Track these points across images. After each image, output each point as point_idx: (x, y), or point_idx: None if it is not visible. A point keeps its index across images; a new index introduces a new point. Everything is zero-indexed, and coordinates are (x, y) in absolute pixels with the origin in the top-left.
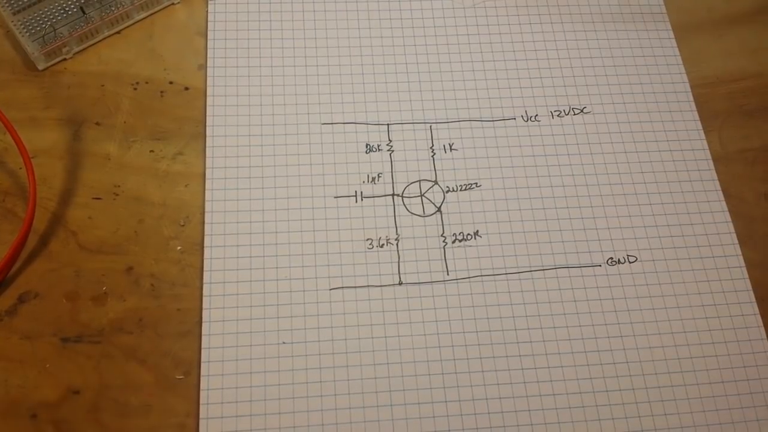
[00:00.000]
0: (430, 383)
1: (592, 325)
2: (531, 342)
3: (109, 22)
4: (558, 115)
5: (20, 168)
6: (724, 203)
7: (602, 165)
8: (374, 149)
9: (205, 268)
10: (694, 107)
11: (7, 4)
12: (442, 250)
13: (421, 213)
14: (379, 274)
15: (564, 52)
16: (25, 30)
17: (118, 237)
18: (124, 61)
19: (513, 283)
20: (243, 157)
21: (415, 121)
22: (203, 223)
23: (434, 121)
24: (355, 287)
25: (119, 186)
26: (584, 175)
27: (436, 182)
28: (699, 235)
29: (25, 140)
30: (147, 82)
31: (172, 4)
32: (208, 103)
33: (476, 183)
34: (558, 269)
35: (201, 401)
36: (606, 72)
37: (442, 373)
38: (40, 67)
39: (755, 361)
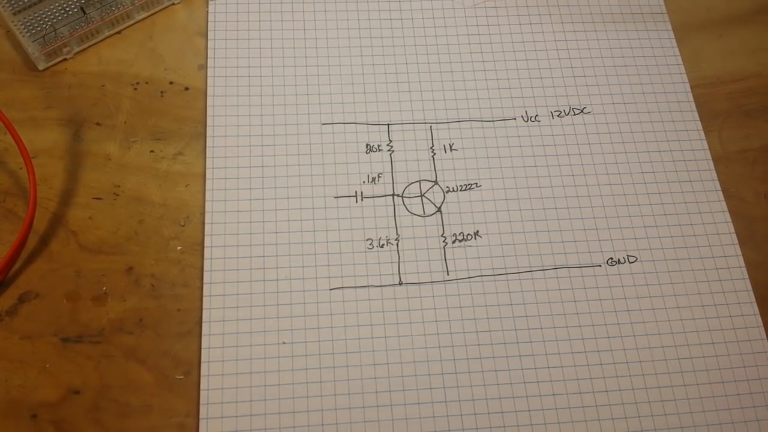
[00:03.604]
0: (430, 383)
1: (592, 325)
2: (531, 342)
3: (109, 22)
4: (558, 115)
5: (20, 168)
6: (724, 203)
7: (602, 165)
8: (374, 149)
9: (205, 268)
10: (694, 107)
11: (7, 4)
12: (442, 250)
13: (421, 213)
14: (379, 274)
15: (564, 52)
16: (25, 30)
17: (119, 237)
18: (125, 61)
19: (513, 283)
20: (243, 157)
21: (415, 121)
22: (203, 223)
23: (434, 121)
24: (355, 287)
25: (119, 186)
26: (584, 175)
27: (436, 182)
28: (699, 235)
29: (25, 140)
30: (147, 82)
31: (173, 4)
32: (208, 103)
33: (476, 183)
34: (558, 269)
35: (201, 401)
36: (606, 72)
37: (442, 373)
38: (41, 67)
39: (755, 361)
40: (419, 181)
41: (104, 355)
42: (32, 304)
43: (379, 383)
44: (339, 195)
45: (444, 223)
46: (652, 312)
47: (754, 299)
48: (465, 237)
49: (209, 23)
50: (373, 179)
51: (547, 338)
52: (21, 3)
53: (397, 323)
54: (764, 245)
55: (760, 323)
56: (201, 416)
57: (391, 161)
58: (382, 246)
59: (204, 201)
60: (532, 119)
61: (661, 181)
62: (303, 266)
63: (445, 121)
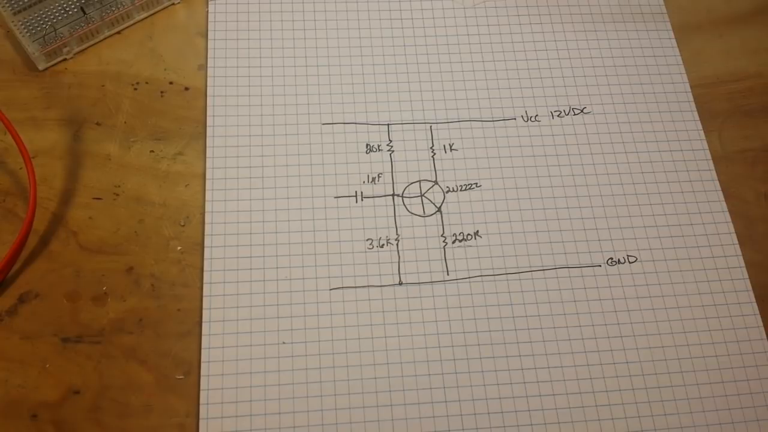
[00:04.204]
0: (430, 383)
1: (592, 325)
2: (531, 342)
3: (109, 22)
4: (558, 115)
5: (20, 168)
6: (724, 203)
7: (602, 165)
8: (374, 149)
9: (205, 268)
10: (694, 107)
11: (7, 5)
12: (442, 250)
13: (421, 213)
14: (379, 274)
15: (564, 52)
16: (25, 30)
17: (119, 237)
18: (125, 61)
19: (513, 283)
20: (243, 157)
21: (415, 121)
22: (203, 223)
23: (434, 121)
24: (355, 287)
25: (119, 186)
26: (584, 175)
27: (436, 182)
28: (699, 235)
29: (25, 140)
30: (147, 82)
31: (173, 4)
32: (208, 103)
33: (476, 183)
34: (558, 269)
35: (201, 401)
36: (606, 72)
37: (442, 373)
38: (41, 67)
39: (755, 361)
40: (419, 181)
41: (104, 355)
42: (32, 304)
43: (379, 383)
44: (339, 195)
45: (444, 223)
46: (652, 312)
47: (754, 299)
48: (465, 237)
49: (209, 23)
50: (373, 179)
51: (547, 338)
52: (21, 3)
53: (397, 323)
54: (764, 245)
55: (760, 323)
56: (201, 416)
57: (391, 161)
58: (382, 246)
59: (204, 201)
60: (532, 119)
61: (661, 181)
62: (303, 266)
63: (445, 121)
